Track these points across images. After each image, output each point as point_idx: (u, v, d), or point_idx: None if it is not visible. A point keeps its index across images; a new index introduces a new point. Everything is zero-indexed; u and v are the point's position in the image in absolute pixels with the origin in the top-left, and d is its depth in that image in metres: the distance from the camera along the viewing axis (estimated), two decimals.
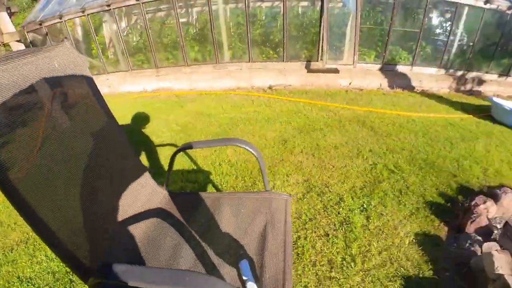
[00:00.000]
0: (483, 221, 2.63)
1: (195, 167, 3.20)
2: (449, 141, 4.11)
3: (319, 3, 5.25)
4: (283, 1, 5.30)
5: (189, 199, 1.74)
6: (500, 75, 7.12)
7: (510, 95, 7.19)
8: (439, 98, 5.81)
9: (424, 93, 5.92)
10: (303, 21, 5.77)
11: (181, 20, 5.79)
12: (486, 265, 2.13)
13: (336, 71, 5.55)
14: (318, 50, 5.53)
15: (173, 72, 5.53)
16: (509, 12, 6.13)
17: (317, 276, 2.10)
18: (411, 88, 5.99)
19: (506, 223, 2.63)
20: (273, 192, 1.78)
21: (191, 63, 5.52)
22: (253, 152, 1.67)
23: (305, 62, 5.61)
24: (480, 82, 6.79)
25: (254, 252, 1.33)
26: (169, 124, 4.07)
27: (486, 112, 5.56)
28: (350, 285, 2.08)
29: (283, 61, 5.55)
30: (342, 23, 5.81)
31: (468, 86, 6.69)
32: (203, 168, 3.18)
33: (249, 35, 5.31)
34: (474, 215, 2.61)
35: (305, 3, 6.05)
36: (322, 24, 5.30)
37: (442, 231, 2.63)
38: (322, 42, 5.39)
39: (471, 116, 5.25)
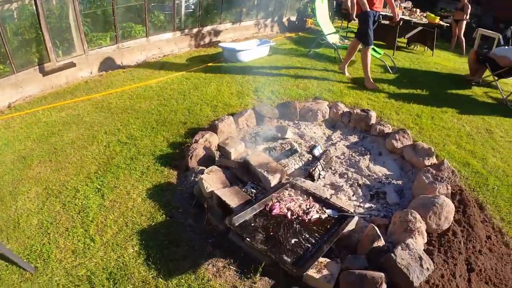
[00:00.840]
0: (201, 153, 2.87)
1: None
2: (182, 94, 4.43)
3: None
4: None
5: None
6: (233, 22, 8.04)
7: (247, 37, 8.20)
8: (180, 58, 6.21)
9: (165, 58, 6.17)
10: (31, 22, 4.99)
11: None
12: (201, 188, 2.33)
13: (72, 65, 5.17)
14: (47, 50, 4.96)
15: None
16: None
17: (65, 270, 2.10)
18: (152, 57, 6.13)
19: (218, 145, 2.95)
20: None
21: None
22: None
23: (38, 66, 4.99)
24: (217, 33, 7.55)
25: None
26: None
27: (221, 57, 6.16)
28: (94, 262, 2.16)
29: (15, 72, 4.77)
30: (63, 15, 5.33)
31: (207, 40, 7.34)
32: None
33: None
34: (191, 150, 2.81)
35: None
36: (40, 22, 4.72)
37: (172, 176, 2.88)
38: (45, 41, 4.84)
39: (207, 65, 5.73)
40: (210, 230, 2.39)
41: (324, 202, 2.33)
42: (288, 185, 2.42)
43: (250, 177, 2.65)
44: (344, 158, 3.32)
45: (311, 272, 1.99)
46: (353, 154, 3.39)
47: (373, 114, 3.81)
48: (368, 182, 2.96)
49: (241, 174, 2.69)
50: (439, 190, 2.60)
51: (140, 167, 3.01)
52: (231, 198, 2.29)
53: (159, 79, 5.15)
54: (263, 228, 2.08)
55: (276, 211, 2.16)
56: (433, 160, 3.12)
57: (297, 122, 3.94)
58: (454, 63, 7.74)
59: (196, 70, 5.63)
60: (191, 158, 2.80)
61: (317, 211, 2.22)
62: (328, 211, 2.23)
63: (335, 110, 3.98)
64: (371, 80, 5.22)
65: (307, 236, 2.03)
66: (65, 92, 4.80)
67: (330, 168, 3.08)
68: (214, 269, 2.13)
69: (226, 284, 2.03)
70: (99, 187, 2.80)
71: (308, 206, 2.25)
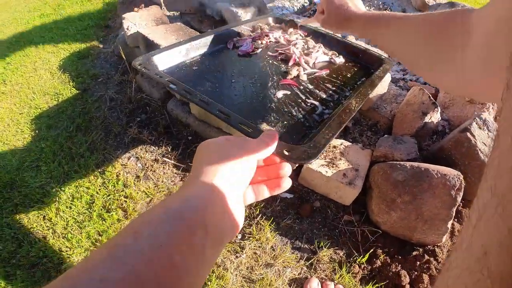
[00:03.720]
0: None
1: None
2: None
3: None
4: None
5: None
6: None
7: None
8: None
9: None
10: None
11: None
12: (124, 34, 1.21)
13: None
14: None
15: None
16: None
17: None
18: None
19: None
20: None
21: None
22: None
23: None
24: None
25: None
26: None
27: None
28: None
29: None
30: None
31: None
32: None
33: None
34: None
35: None
36: None
37: (98, 38, 1.83)
38: None
39: None
40: (139, 102, 1.29)
41: (335, 42, 1.12)
42: (270, 18, 1.21)
43: (211, 24, 1.46)
44: None
45: (316, 164, 0.92)
46: (367, 8, 2.21)
47: None
48: None
49: (198, 21, 1.49)
50: None
51: (58, 36, 1.84)
52: (164, 36, 1.13)
53: None
54: (218, 75, 0.90)
55: (245, 48, 0.99)
56: None
57: None
58: None
59: None
60: (123, 4, 1.57)
61: (324, 52, 1.05)
62: (341, 59, 1.04)
63: None
64: None
65: (309, 90, 0.87)
66: None
67: None
68: (139, 165, 1.06)
69: (158, 193, 0.97)
70: (2, 71, 1.69)
71: (308, 46, 1.08)
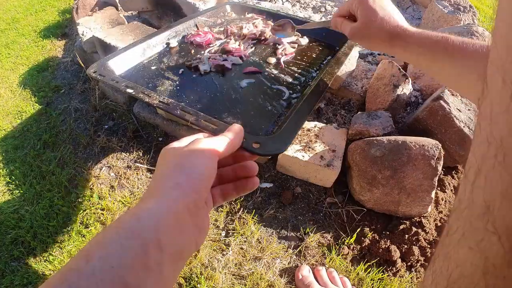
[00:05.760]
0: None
1: None
2: None
3: None
4: None
5: None
6: None
7: None
8: None
9: None
10: None
11: None
12: (81, 40, 1.11)
13: None
14: None
15: None
16: None
17: None
18: None
19: None
20: None
21: None
22: None
23: None
24: None
25: None
26: None
27: None
28: None
29: None
30: None
31: None
32: None
33: None
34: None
35: None
36: None
37: (56, 48, 1.69)
38: None
39: None
40: (105, 109, 1.23)
41: (296, 23, 1.07)
42: (227, 6, 1.16)
43: (171, 19, 1.40)
44: None
45: (292, 150, 0.89)
46: None
47: None
48: None
49: (157, 18, 1.42)
50: (465, 22, 1.42)
51: (15, 51, 1.75)
52: (121, 38, 1.08)
53: None
54: (178, 71, 0.85)
55: (202, 38, 0.94)
56: None
57: None
58: None
59: None
60: (77, 11, 1.49)
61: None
62: (305, 40, 1.01)
63: None
64: None
65: (274, 75, 0.83)
66: None
67: (298, 2, 1.84)
68: (112, 174, 1.01)
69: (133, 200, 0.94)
70: None
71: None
